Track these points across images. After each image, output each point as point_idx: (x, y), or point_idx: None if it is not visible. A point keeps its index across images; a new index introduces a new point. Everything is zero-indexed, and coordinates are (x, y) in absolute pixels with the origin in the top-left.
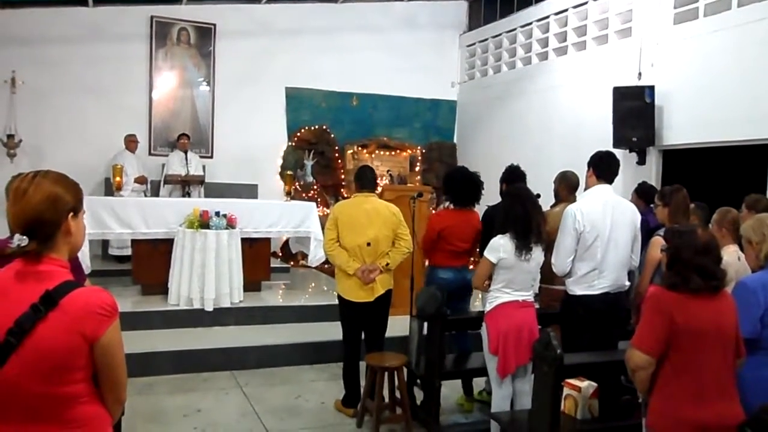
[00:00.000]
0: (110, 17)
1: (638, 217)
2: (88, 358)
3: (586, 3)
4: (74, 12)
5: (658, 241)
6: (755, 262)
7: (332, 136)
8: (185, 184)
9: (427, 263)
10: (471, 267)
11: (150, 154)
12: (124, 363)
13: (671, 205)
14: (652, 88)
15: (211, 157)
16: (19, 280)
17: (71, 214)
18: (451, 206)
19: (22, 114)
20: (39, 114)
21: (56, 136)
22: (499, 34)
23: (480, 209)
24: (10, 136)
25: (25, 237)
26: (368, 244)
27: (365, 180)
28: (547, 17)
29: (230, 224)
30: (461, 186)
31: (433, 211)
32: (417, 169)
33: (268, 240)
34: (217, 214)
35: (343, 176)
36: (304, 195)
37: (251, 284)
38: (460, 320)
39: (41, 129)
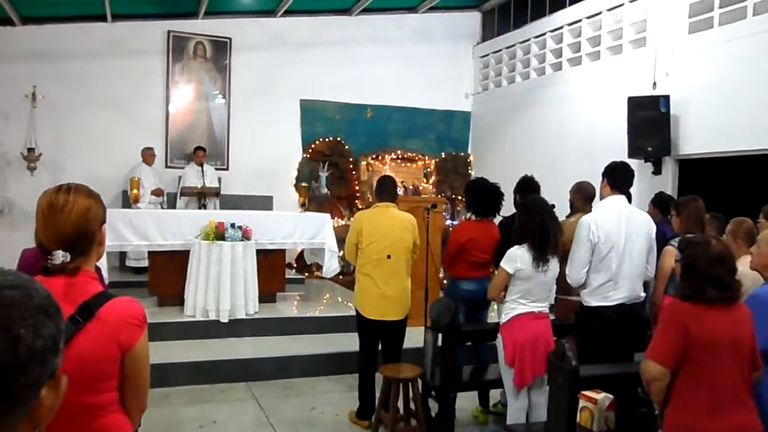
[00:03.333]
0: (128, 32)
1: (653, 227)
2: (120, 367)
3: (600, 13)
4: (93, 27)
5: (670, 251)
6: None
7: (347, 147)
8: (201, 196)
9: (442, 275)
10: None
11: (166, 166)
12: (149, 372)
13: (683, 214)
14: (667, 97)
15: (227, 169)
16: (63, 297)
17: (103, 225)
18: (473, 217)
19: (42, 128)
20: (58, 128)
21: (75, 149)
22: (513, 45)
23: (496, 220)
24: (31, 150)
25: (67, 253)
26: (388, 257)
27: (386, 190)
28: (561, 27)
29: (245, 236)
30: (482, 197)
31: (448, 222)
32: (431, 180)
33: (282, 251)
34: (233, 225)
35: (357, 188)
36: (318, 206)
37: (266, 295)
38: (475, 332)
39: (61, 142)
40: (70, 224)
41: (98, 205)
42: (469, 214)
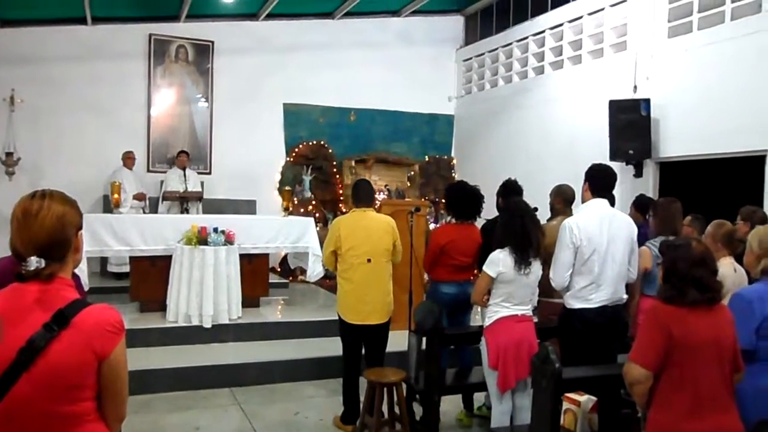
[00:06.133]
0: (109, 35)
1: (635, 229)
2: (96, 376)
3: (581, 17)
4: (73, 30)
5: (645, 252)
6: (753, 270)
7: (330, 151)
8: (183, 201)
9: (426, 278)
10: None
11: (148, 170)
12: (127, 380)
13: (657, 216)
14: (647, 101)
15: (210, 173)
16: (36, 303)
17: (78, 231)
18: (453, 220)
19: (20, 132)
20: (38, 132)
21: (55, 153)
22: (496, 49)
23: (478, 223)
24: (9, 154)
25: (41, 259)
26: (368, 261)
27: (362, 194)
28: (543, 32)
29: (228, 240)
30: (463, 200)
31: (432, 226)
32: (415, 183)
33: (266, 256)
34: (215, 230)
35: (341, 191)
36: (302, 210)
37: (250, 300)
38: (459, 335)
39: (40, 147)
40: (45, 230)
41: (74, 210)
42: (449, 218)
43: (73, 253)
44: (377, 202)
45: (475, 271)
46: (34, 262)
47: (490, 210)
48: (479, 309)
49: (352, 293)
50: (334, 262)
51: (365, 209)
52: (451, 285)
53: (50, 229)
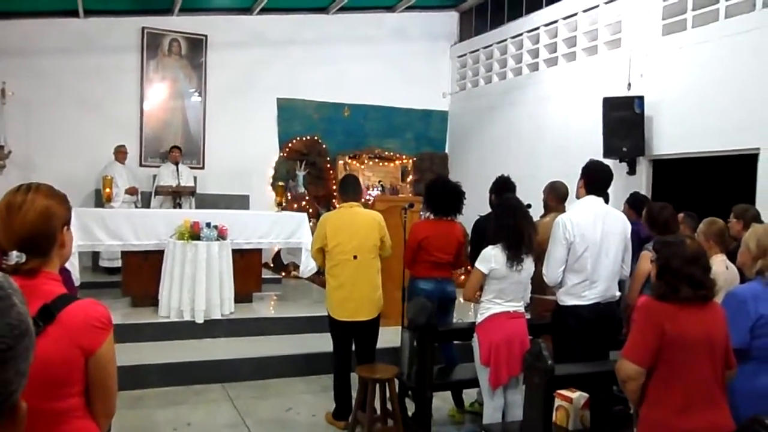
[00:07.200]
0: (101, 28)
1: (628, 226)
2: (83, 372)
3: (575, 14)
4: (65, 23)
5: (647, 255)
6: (748, 269)
7: (324, 146)
8: (176, 196)
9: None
10: (462, 277)
11: (141, 165)
12: (116, 376)
13: (658, 223)
14: (641, 98)
15: (203, 168)
16: None
17: (65, 227)
18: (431, 216)
19: (12, 125)
20: (29, 125)
21: (46, 147)
22: (490, 45)
23: (465, 220)
24: (0, 148)
25: (23, 254)
26: (355, 257)
27: (349, 189)
28: (537, 28)
29: (221, 235)
30: (441, 196)
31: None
32: (409, 179)
33: (259, 251)
34: (208, 225)
35: (334, 187)
36: (295, 206)
37: (242, 296)
38: (451, 331)
39: (31, 140)
40: (27, 224)
41: (60, 205)
42: (428, 213)
43: (58, 248)
44: (370, 197)
45: (462, 270)
46: (14, 257)
47: (483, 206)
48: (472, 306)
49: (339, 290)
50: (321, 259)
51: (352, 205)
52: (429, 281)
53: (33, 223)
